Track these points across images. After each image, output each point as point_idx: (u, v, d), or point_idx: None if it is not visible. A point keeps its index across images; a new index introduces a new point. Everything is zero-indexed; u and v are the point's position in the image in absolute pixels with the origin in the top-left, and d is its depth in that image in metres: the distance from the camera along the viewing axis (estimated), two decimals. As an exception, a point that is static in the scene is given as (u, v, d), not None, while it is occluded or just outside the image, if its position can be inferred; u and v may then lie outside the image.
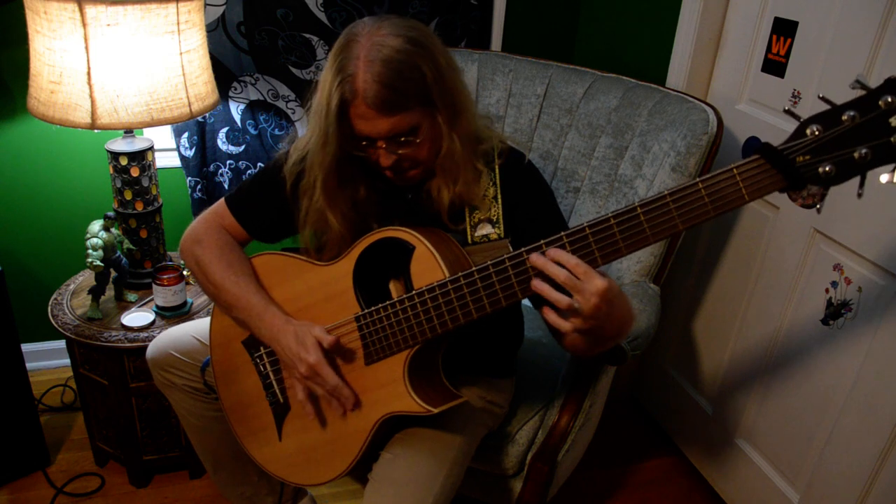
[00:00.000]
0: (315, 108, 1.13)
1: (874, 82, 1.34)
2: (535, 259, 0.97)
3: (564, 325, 0.97)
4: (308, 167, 1.20)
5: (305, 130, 1.23)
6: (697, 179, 0.91)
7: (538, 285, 0.97)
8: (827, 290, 1.52)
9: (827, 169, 0.83)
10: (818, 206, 0.87)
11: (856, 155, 0.81)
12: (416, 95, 1.09)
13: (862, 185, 0.84)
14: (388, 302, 1.14)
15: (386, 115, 1.08)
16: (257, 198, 1.33)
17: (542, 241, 1.00)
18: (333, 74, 1.07)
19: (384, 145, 1.12)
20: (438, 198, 1.20)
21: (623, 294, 1.03)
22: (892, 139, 0.79)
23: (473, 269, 1.06)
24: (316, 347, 1.14)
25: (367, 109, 1.07)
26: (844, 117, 0.81)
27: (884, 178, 0.85)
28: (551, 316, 0.98)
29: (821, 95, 0.84)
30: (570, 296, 0.95)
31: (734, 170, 0.89)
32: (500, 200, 1.22)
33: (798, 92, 1.56)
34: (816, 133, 0.83)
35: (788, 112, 0.86)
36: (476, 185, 1.20)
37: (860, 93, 0.81)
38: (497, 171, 1.23)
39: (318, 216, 1.22)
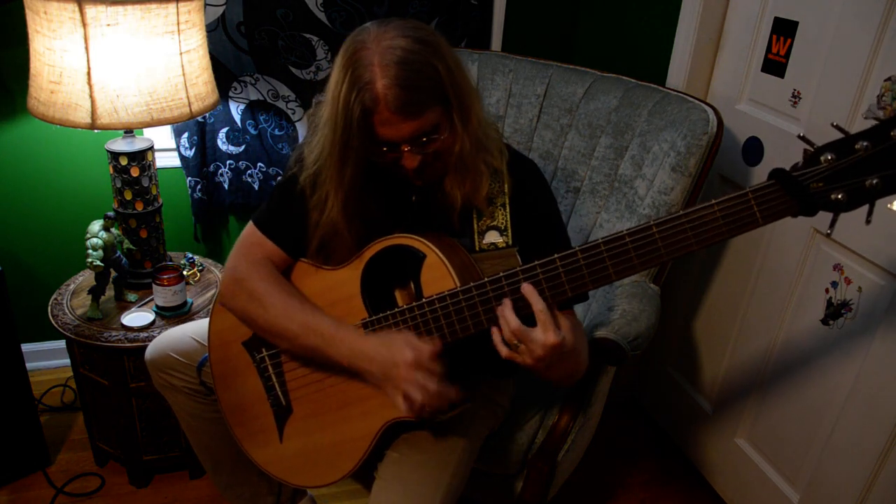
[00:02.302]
0: (326, 121, 1.10)
1: (874, 82, 1.36)
2: (500, 310, 1.04)
3: (503, 350, 1.05)
4: (320, 182, 1.18)
5: (312, 140, 1.20)
6: (713, 202, 0.93)
7: (500, 312, 1.05)
8: (827, 291, 1.52)
9: (839, 196, 0.85)
10: (828, 231, 0.89)
11: (867, 184, 0.84)
12: (433, 93, 1.07)
13: (871, 212, 0.86)
14: (397, 309, 1.14)
15: (410, 118, 1.05)
16: (284, 214, 1.28)
17: (555, 256, 1.01)
18: (349, 86, 1.04)
19: (408, 148, 1.09)
20: (451, 196, 1.18)
21: (575, 351, 1.08)
22: None
23: (486, 279, 1.06)
24: (409, 348, 1.08)
25: (391, 115, 1.04)
26: (857, 146, 0.83)
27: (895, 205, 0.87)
28: (496, 337, 1.06)
29: (834, 123, 0.86)
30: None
31: (749, 194, 0.90)
32: (508, 208, 1.22)
33: (798, 92, 1.56)
34: (830, 161, 0.85)
35: (802, 138, 0.88)
36: (482, 186, 1.19)
37: (872, 122, 0.83)
38: (506, 178, 1.22)
39: (328, 229, 1.20)
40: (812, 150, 0.87)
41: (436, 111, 1.08)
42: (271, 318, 1.19)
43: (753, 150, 1.70)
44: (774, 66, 1.63)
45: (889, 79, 1.32)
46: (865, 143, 0.83)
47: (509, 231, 1.21)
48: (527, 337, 1.01)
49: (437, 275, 1.11)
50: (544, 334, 1.00)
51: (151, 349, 1.40)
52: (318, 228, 1.21)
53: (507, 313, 1.03)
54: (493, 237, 1.21)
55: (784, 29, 1.59)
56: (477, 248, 1.21)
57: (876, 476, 1.42)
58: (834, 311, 1.50)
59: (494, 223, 1.22)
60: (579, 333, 1.16)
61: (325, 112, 1.11)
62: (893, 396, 1.36)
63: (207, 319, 1.37)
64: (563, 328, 1.02)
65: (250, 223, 1.30)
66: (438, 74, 1.06)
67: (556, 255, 1.02)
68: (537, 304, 1.01)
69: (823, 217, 0.89)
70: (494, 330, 1.06)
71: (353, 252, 1.20)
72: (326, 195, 1.17)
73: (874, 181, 0.83)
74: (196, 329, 1.43)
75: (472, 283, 1.08)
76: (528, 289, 1.02)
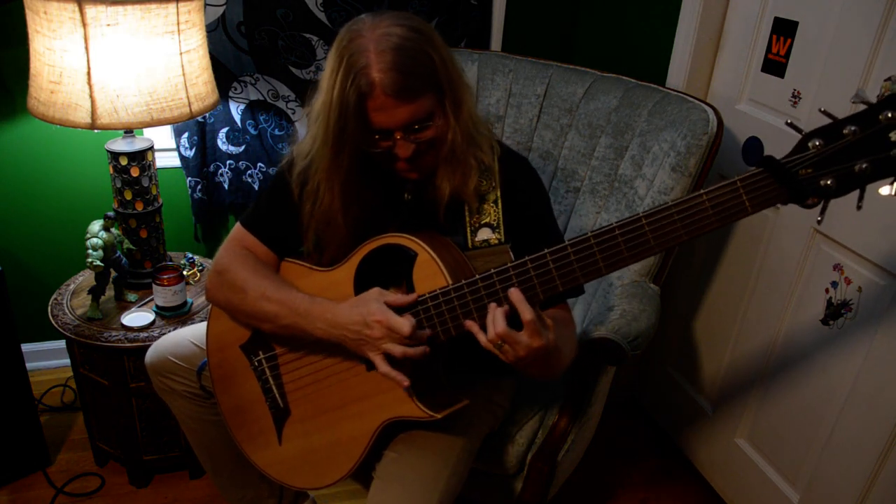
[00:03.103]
0: (320, 111, 1.11)
1: (874, 82, 1.36)
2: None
3: (482, 339, 1.05)
4: (312, 172, 1.18)
5: (305, 134, 1.20)
6: (702, 191, 0.92)
7: (470, 325, 1.06)
8: (827, 291, 1.52)
9: (828, 182, 0.85)
10: (819, 218, 0.88)
11: (856, 168, 0.83)
12: (428, 80, 1.08)
13: (861, 198, 0.85)
14: None
15: (405, 103, 1.06)
16: (272, 213, 1.29)
17: (545, 251, 1.02)
18: (344, 72, 1.05)
19: (401, 136, 1.10)
20: (440, 190, 1.19)
21: (557, 350, 1.08)
22: (891, 153, 0.81)
23: (477, 276, 1.07)
24: (378, 303, 1.10)
25: (386, 99, 1.05)
26: (846, 131, 0.82)
27: (884, 190, 0.87)
28: (474, 328, 1.06)
29: (822, 109, 0.85)
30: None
31: (738, 182, 0.90)
32: (500, 204, 1.22)
33: (798, 92, 1.56)
34: (818, 146, 0.84)
35: (790, 125, 0.87)
36: (470, 180, 1.19)
37: (861, 106, 0.82)
38: (497, 174, 1.23)
39: (322, 219, 1.20)
40: (800, 136, 0.86)
41: (429, 98, 1.09)
42: (250, 302, 1.21)
43: (753, 150, 1.70)
44: (774, 66, 1.63)
45: (889, 79, 1.31)
46: (854, 128, 0.82)
47: (501, 228, 1.21)
48: (512, 339, 1.01)
49: (429, 273, 1.11)
50: (530, 339, 1.01)
51: (151, 353, 1.40)
52: (312, 219, 1.21)
53: (496, 315, 1.03)
54: (485, 234, 1.22)
55: (784, 29, 1.59)
56: (470, 246, 1.22)
57: (876, 476, 1.42)
58: (834, 310, 1.50)
59: (487, 220, 1.22)
60: (566, 332, 1.17)
61: (319, 102, 1.11)
62: (893, 396, 1.36)
63: (206, 323, 1.37)
64: (548, 329, 1.03)
65: (237, 223, 1.31)
66: (433, 62, 1.07)
67: (546, 251, 1.02)
68: (526, 313, 1.01)
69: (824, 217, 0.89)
70: (471, 323, 1.06)
71: (346, 244, 1.20)
72: (319, 184, 1.17)
73: (863, 166, 0.82)
74: (195, 333, 1.43)
75: (463, 281, 1.08)
76: (516, 296, 1.02)
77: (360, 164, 1.16)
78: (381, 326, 1.08)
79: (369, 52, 1.04)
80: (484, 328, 1.06)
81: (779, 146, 1.62)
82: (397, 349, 1.09)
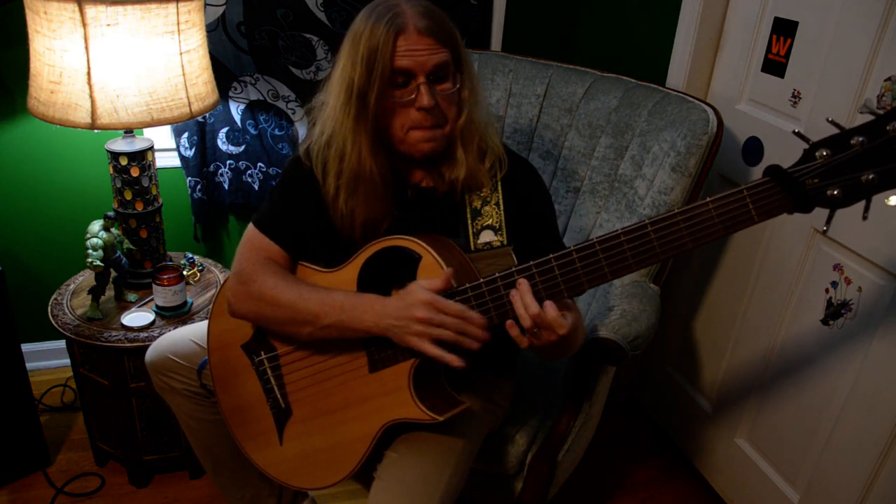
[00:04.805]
0: (340, 74, 1.13)
1: (874, 82, 1.36)
2: (514, 296, 1.04)
3: (524, 341, 1.06)
4: (335, 137, 1.18)
5: (310, 127, 1.21)
6: (708, 199, 0.92)
7: (514, 298, 1.04)
8: (827, 290, 1.52)
9: (835, 192, 0.85)
10: (824, 227, 0.88)
11: (863, 179, 0.83)
12: (452, 40, 1.14)
13: (867, 208, 0.86)
14: None
15: (435, 45, 1.10)
16: (287, 210, 1.27)
17: (550, 256, 1.02)
18: (374, 23, 1.09)
19: (424, 80, 1.11)
20: (454, 171, 1.20)
21: (576, 332, 1.10)
22: None
23: (481, 280, 1.07)
24: (421, 288, 1.07)
25: (419, 37, 1.09)
26: (853, 141, 0.83)
27: (892, 200, 0.87)
28: (514, 331, 1.06)
29: (830, 119, 0.85)
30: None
31: (745, 191, 0.90)
32: (501, 206, 1.22)
33: (798, 92, 1.56)
34: (826, 156, 0.84)
35: (797, 134, 0.87)
36: (486, 158, 1.22)
37: (868, 117, 0.82)
38: (500, 177, 1.23)
39: (352, 177, 1.18)
40: (807, 146, 0.86)
41: (451, 57, 1.14)
42: (286, 308, 1.17)
43: (753, 150, 1.70)
44: (774, 66, 1.63)
45: (889, 79, 1.32)
46: (861, 139, 0.82)
47: (503, 230, 1.21)
48: (545, 322, 1.02)
49: (433, 276, 1.11)
50: (559, 330, 1.03)
51: (151, 352, 1.40)
52: (339, 183, 1.20)
53: (528, 300, 1.02)
54: (487, 237, 1.22)
55: (784, 29, 1.59)
56: (472, 249, 1.22)
57: (876, 476, 1.42)
58: (834, 311, 1.50)
59: (489, 222, 1.22)
60: (577, 317, 1.18)
61: (339, 68, 1.14)
62: (893, 396, 1.36)
63: (207, 322, 1.37)
64: (571, 309, 1.07)
65: (250, 224, 1.29)
66: (455, 31, 1.14)
67: (551, 255, 1.02)
68: (550, 310, 1.02)
69: (824, 217, 0.89)
70: (512, 324, 1.06)
71: (379, 197, 1.19)
72: (344, 143, 1.17)
73: (870, 176, 0.83)
74: (195, 331, 1.43)
75: (467, 284, 1.08)
76: (548, 304, 1.02)
77: (384, 116, 1.16)
78: (428, 309, 1.05)
79: (400, 4, 1.11)
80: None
81: (779, 146, 1.62)
82: (447, 334, 1.05)
